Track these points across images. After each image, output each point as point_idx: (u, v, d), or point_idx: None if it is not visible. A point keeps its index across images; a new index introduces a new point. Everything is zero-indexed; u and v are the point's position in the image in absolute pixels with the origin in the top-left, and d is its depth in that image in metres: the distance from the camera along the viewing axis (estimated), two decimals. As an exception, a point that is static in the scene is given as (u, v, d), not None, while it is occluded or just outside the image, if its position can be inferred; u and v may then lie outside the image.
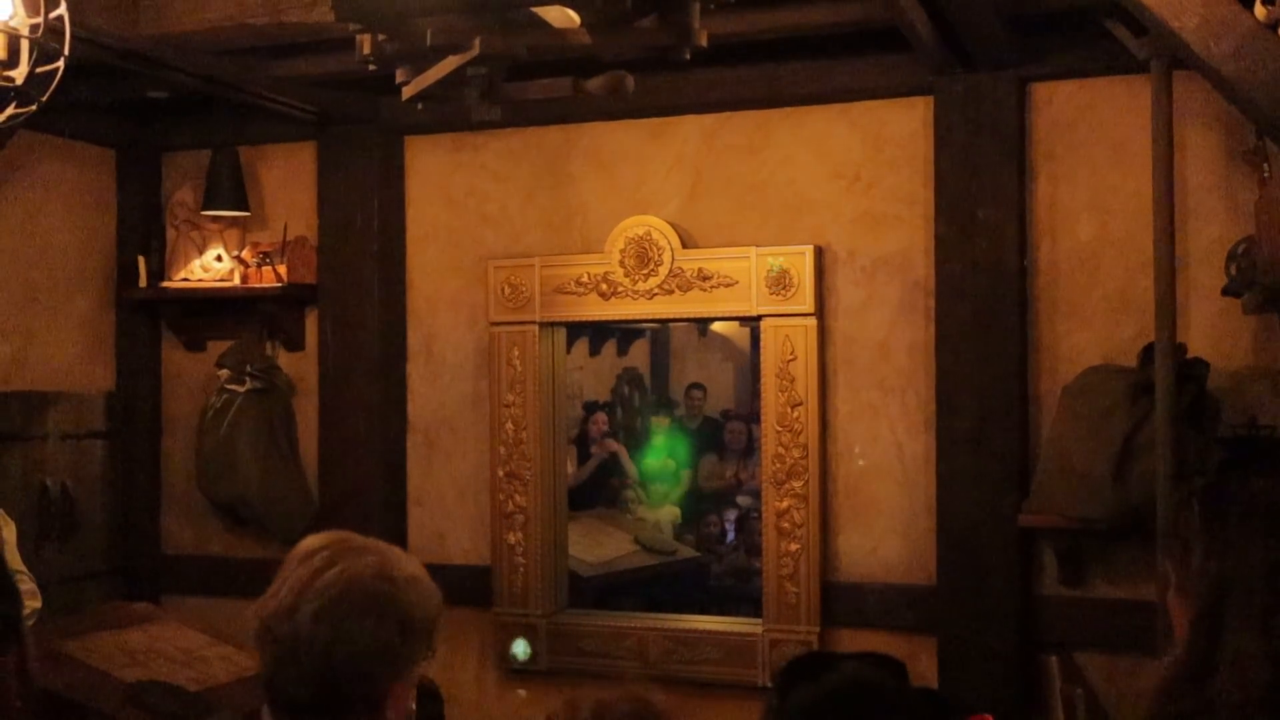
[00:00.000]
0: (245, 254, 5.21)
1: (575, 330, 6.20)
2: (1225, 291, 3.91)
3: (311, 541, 1.93)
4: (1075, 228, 4.28)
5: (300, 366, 5.25)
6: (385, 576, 1.88)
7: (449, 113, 3.09)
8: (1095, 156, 4.26)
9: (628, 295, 4.73)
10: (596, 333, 8.14)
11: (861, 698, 1.61)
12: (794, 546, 4.50)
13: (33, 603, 3.85)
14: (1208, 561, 1.88)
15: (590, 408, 7.98)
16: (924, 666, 4.23)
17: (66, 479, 5.12)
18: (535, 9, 2.24)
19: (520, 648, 4.77)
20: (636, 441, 7.87)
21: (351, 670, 1.83)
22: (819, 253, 4.54)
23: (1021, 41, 4.16)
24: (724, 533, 7.30)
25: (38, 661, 1.79)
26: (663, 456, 7.72)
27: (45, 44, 2.95)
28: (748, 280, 4.57)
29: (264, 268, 5.14)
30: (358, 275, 5.06)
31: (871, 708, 1.60)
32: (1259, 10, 2.95)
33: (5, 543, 3.86)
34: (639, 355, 8.97)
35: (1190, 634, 1.87)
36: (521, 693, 4.89)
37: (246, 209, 5.19)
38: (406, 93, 2.44)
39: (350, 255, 5.07)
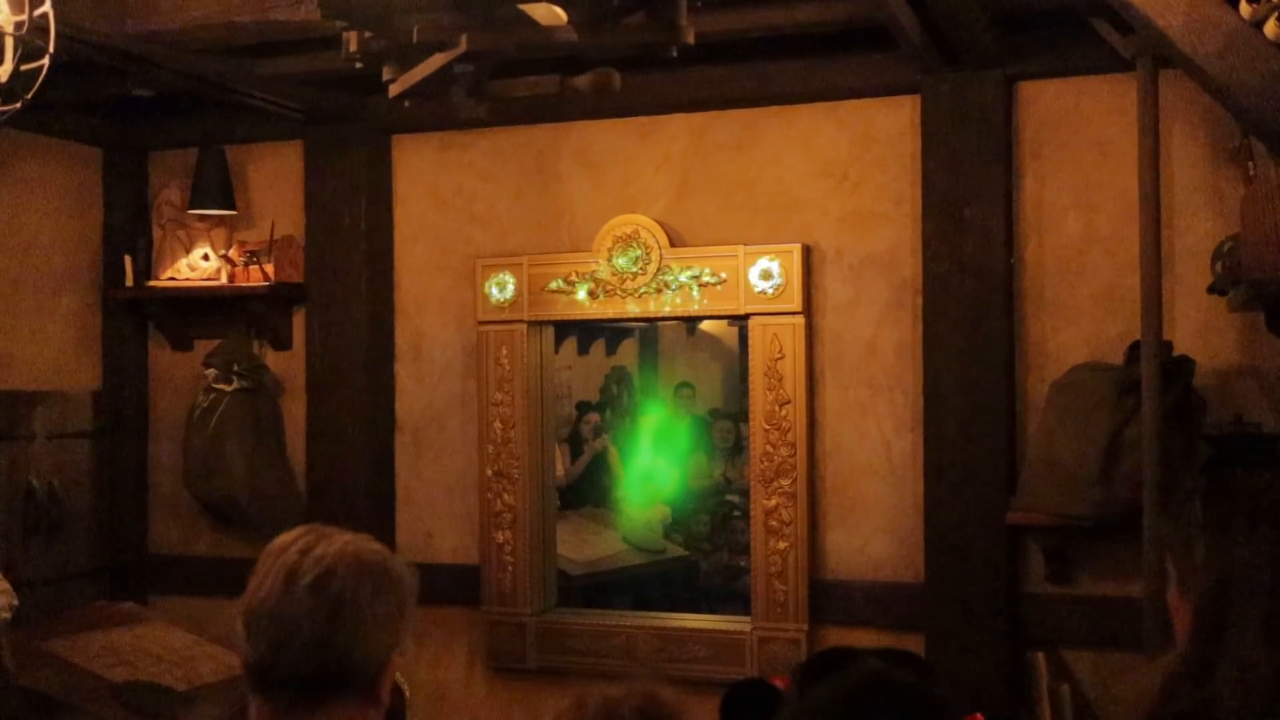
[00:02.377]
0: (232, 253, 5.20)
1: (563, 329, 6.20)
2: (1211, 289, 3.92)
3: (284, 537, 1.93)
4: (1062, 226, 4.29)
5: (288, 366, 5.24)
6: (371, 548, 1.91)
7: (436, 111, 3.08)
8: (1082, 155, 4.27)
9: (616, 294, 4.73)
10: (585, 332, 8.13)
11: (879, 697, 1.59)
12: (782, 544, 4.51)
13: (9, 599, 3.84)
14: (1210, 559, 1.87)
15: (583, 407, 7.97)
16: (912, 664, 4.23)
17: (53, 479, 5.10)
18: (522, 6, 2.24)
19: None
20: (625, 441, 7.86)
21: (355, 640, 1.84)
22: (807, 251, 4.54)
23: (1008, 40, 4.17)
24: (713, 532, 7.29)
25: (17, 657, 1.80)
26: (651, 456, 7.71)
27: (30, 41, 2.94)
28: (736, 279, 4.57)
29: (251, 267, 5.13)
30: (345, 274, 5.05)
31: (887, 708, 1.58)
32: (1244, 8, 2.96)
33: None
34: (627, 354, 8.95)
35: (1192, 632, 1.86)
36: None
37: (233, 208, 5.18)
38: (393, 90, 2.43)
39: (338, 254, 5.06)
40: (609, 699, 1.73)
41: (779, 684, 2.60)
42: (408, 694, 2.62)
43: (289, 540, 1.90)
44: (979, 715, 2.61)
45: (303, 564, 1.84)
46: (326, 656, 1.82)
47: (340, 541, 1.89)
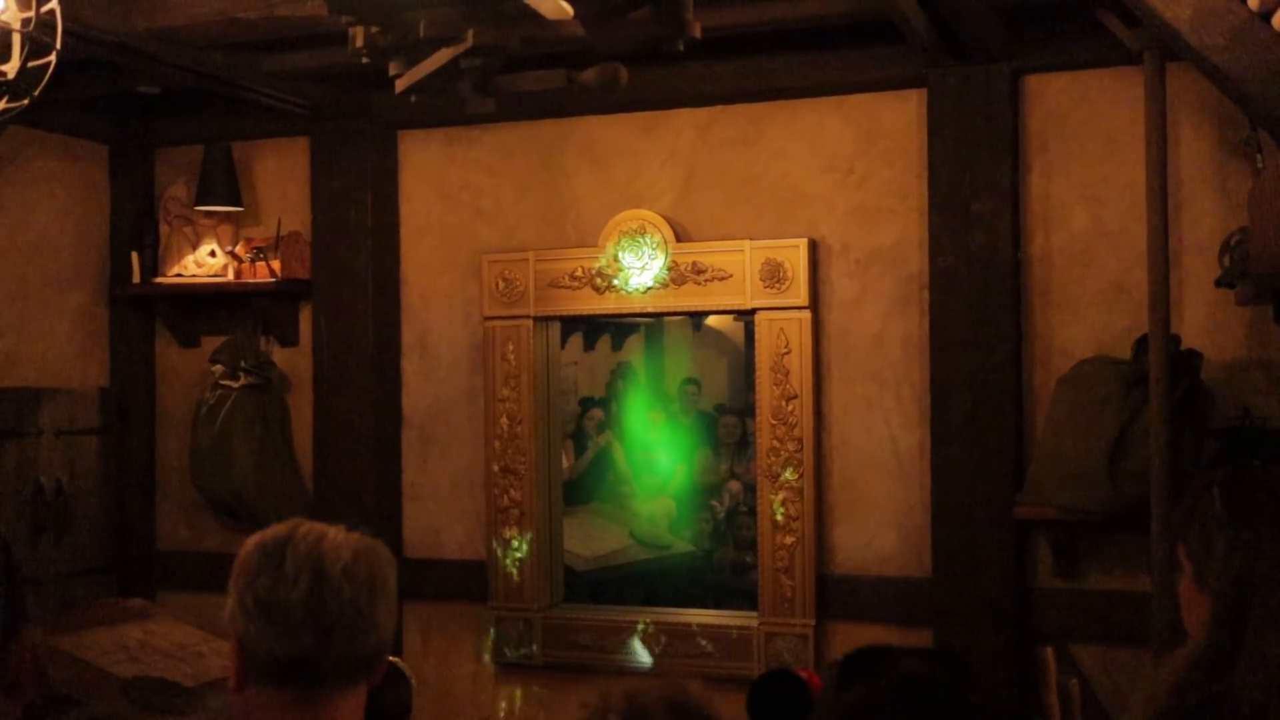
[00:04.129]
0: (239, 249, 5.21)
1: (570, 325, 6.20)
2: (1219, 283, 3.92)
3: (272, 531, 1.90)
4: (1069, 220, 4.28)
5: (294, 362, 5.25)
6: (364, 538, 1.90)
7: (442, 106, 3.08)
8: (1089, 148, 4.26)
9: (622, 289, 4.72)
10: (591, 328, 8.14)
11: (921, 698, 1.58)
12: (789, 540, 4.51)
13: None
14: (1231, 552, 1.86)
15: (586, 403, 7.98)
16: (919, 659, 4.23)
17: (61, 475, 5.11)
18: (528, 1, 2.23)
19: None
20: (630, 436, 7.86)
21: (389, 618, 1.86)
22: (813, 246, 4.54)
23: (1015, 34, 4.16)
24: (717, 527, 7.29)
25: (43, 651, 1.81)
26: (657, 451, 7.71)
27: (37, 38, 2.94)
28: (742, 274, 4.57)
29: (257, 263, 5.14)
30: (351, 270, 5.05)
31: (927, 709, 1.57)
32: (1252, 0, 2.95)
33: None
34: (633, 350, 8.96)
35: (1210, 626, 1.84)
36: None
37: (240, 204, 5.19)
38: (400, 85, 2.43)
39: (344, 250, 5.06)
40: (635, 693, 1.73)
41: (804, 675, 2.60)
42: (414, 684, 2.62)
43: (283, 533, 1.89)
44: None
45: (323, 551, 1.83)
46: (368, 638, 1.83)
47: (335, 529, 1.89)
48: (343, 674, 1.83)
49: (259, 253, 5.15)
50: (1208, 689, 1.78)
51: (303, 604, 1.81)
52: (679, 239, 4.68)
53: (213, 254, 5.26)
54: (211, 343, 5.28)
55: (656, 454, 7.70)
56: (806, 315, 4.51)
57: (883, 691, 1.56)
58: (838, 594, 4.51)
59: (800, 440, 4.50)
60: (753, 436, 4.95)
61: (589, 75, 2.37)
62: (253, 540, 1.90)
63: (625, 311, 4.98)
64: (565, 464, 6.64)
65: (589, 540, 6.62)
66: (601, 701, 1.72)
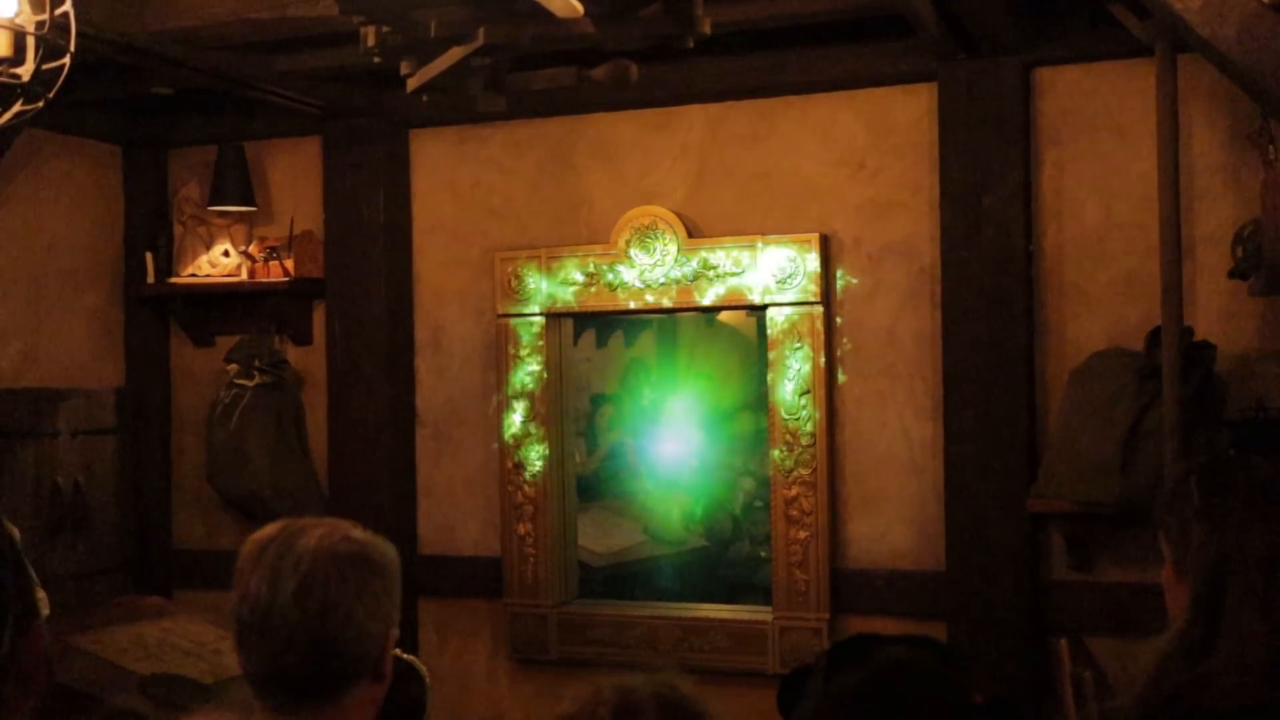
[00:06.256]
0: (252, 249, 5.23)
1: (582, 322, 6.20)
2: (1232, 274, 3.91)
3: (261, 534, 1.93)
4: (1081, 212, 4.28)
5: (308, 360, 5.27)
6: (346, 539, 1.91)
7: (454, 104, 3.10)
8: (1100, 141, 4.26)
9: (634, 286, 4.73)
10: (603, 324, 8.13)
11: (902, 684, 1.59)
12: (803, 534, 4.51)
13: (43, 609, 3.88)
14: (1208, 541, 1.90)
15: (598, 400, 7.98)
16: (934, 652, 4.23)
17: (78, 475, 5.14)
18: (538, -1, 2.24)
19: None
20: (643, 432, 7.86)
21: (349, 639, 1.85)
22: (825, 241, 4.54)
23: (1025, 26, 4.16)
24: (732, 522, 7.29)
25: (52, 648, 1.83)
26: (670, 447, 7.71)
27: (51, 41, 2.96)
28: (754, 269, 4.57)
29: (271, 262, 5.16)
30: (364, 269, 5.07)
31: (921, 692, 1.58)
32: (1262, -9, 2.95)
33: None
34: (646, 346, 8.95)
35: (1189, 613, 1.89)
36: None
37: (253, 204, 5.21)
38: (411, 85, 2.44)
39: (357, 249, 5.08)
40: (626, 688, 1.71)
41: None
42: (429, 682, 2.63)
43: (266, 539, 1.91)
44: (978, 696, 2.58)
45: (281, 569, 1.85)
46: (324, 660, 1.84)
47: (316, 536, 1.90)
48: (327, 683, 1.86)
49: (272, 252, 5.17)
50: (1187, 672, 1.81)
51: (256, 625, 1.85)
52: (691, 235, 4.69)
53: (226, 254, 5.28)
54: (226, 342, 5.30)
55: (670, 449, 7.70)
56: (818, 310, 4.51)
57: (866, 678, 1.57)
58: (852, 588, 4.51)
59: (813, 435, 4.50)
60: (766, 431, 4.95)
61: (600, 72, 2.38)
62: (244, 545, 1.94)
63: (637, 308, 4.99)
64: (578, 461, 6.65)
65: (603, 536, 6.62)
66: (593, 695, 1.70)
